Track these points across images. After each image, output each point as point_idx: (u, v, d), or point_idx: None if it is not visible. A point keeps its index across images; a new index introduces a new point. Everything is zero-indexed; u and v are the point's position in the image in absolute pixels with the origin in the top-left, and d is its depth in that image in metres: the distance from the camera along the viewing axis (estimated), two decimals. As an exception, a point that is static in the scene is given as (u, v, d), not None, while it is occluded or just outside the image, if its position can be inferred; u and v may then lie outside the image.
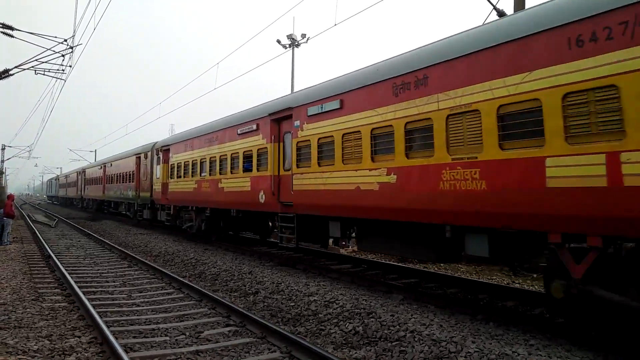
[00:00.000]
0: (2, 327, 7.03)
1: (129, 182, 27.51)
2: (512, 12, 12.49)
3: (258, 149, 13.28)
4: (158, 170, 21.86)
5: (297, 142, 11.40)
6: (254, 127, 13.49)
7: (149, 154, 23.71)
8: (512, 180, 6.46)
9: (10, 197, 20.45)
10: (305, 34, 28.32)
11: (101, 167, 36.88)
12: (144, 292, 10.02)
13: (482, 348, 5.76)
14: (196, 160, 17.59)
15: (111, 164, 33.43)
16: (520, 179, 6.34)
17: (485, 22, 8.69)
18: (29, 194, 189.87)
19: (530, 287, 10.74)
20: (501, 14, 11.96)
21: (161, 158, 21.51)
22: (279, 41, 28.57)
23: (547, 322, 7.33)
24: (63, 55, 18.65)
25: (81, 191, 47.57)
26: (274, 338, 6.61)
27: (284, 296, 9.10)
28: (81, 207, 49.23)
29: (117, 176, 31.04)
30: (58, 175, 79.92)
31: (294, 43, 28.43)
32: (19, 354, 5.86)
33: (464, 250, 7.64)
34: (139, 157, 25.63)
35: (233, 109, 17.89)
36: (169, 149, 20.74)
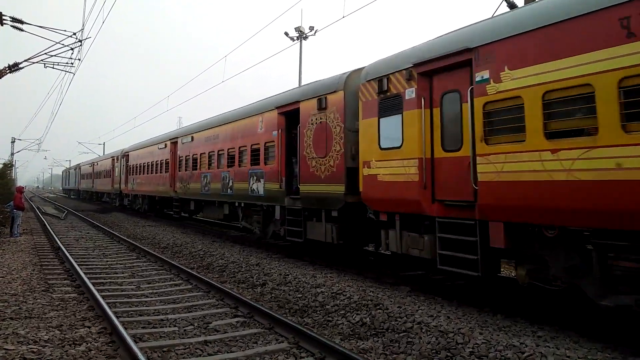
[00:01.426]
0: (14, 318, 7.13)
1: (256, 163, 14.21)
2: (522, 3, 12.32)
3: None
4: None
5: None
6: None
7: (373, 87, 9.57)
8: None
9: (20, 189, 20.64)
10: (313, 27, 28.19)
11: (165, 146, 23.52)
12: (153, 284, 10.10)
13: (490, 339, 5.75)
14: None
15: (192, 138, 19.81)
16: None
17: (494, 15, 8.53)
18: (38, 186, 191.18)
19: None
20: (512, 5, 11.82)
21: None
22: (286, 34, 28.46)
23: (555, 313, 7.30)
24: (72, 49, 18.75)
25: (120, 184, 33.45)
26: (282, 329, 6.65)
27: (291, 288, 9.13)
28: (119, 205, 35.52)
29: (212, 157, 17.63)
30: (79, 164, 61.99)
31: (301, 35, 28.31)
32: (30, 344, 5.94)
33: None
34: (318, 100, 11.25)
35: (242, 102, 16.77)
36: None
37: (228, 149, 16.34)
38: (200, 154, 18.85)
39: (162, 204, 26.20)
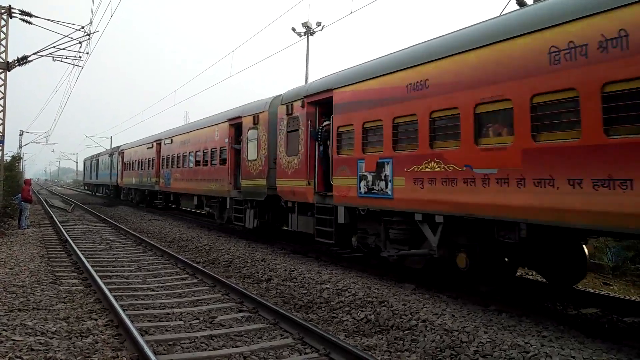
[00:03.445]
0: (22, 309, 7.20)
1: None
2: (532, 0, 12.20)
3: None
4: None
5: None
6: None
7: None
8: None
9: (28, 182, 20.79)
10: (320, 22, 28.10)
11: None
12: (159, 277, 10.16)
13: (494, 338, 5.75)
14: None
15: None
16: None
17: (502, 13, 8.53)
18: (46, 179, 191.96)
19: (544, 280, 10.65)
20: (521, 3, 11.72)
21: None
22: (294, 29, 28.42)
23: (560, 314, 7.29)
24: (80, 42, 18.85)
25: (267, 178, 13.79)
26: (287, 324, 6.67)
27: (296, 283, 9.16)
28: (255, 228, 15.06)
29: None
30: (121, 147, 38.12)
31: (309, 31, 28.25)
32: (37, 335, 6.00)
33: None
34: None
35: (248, 98, 16.55)
36: None
37: None
38: None
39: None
